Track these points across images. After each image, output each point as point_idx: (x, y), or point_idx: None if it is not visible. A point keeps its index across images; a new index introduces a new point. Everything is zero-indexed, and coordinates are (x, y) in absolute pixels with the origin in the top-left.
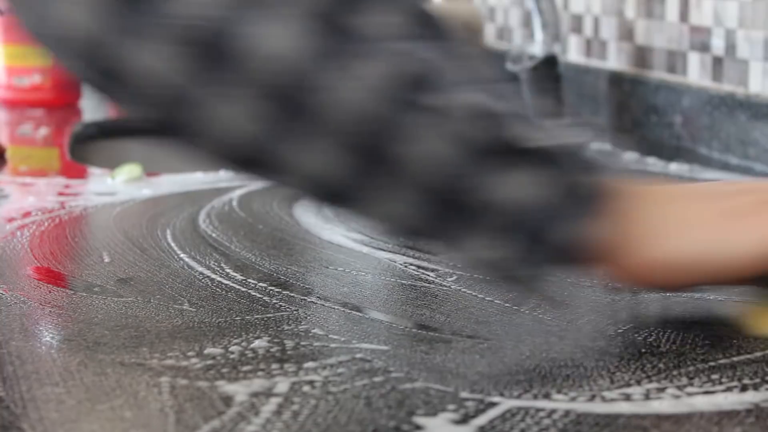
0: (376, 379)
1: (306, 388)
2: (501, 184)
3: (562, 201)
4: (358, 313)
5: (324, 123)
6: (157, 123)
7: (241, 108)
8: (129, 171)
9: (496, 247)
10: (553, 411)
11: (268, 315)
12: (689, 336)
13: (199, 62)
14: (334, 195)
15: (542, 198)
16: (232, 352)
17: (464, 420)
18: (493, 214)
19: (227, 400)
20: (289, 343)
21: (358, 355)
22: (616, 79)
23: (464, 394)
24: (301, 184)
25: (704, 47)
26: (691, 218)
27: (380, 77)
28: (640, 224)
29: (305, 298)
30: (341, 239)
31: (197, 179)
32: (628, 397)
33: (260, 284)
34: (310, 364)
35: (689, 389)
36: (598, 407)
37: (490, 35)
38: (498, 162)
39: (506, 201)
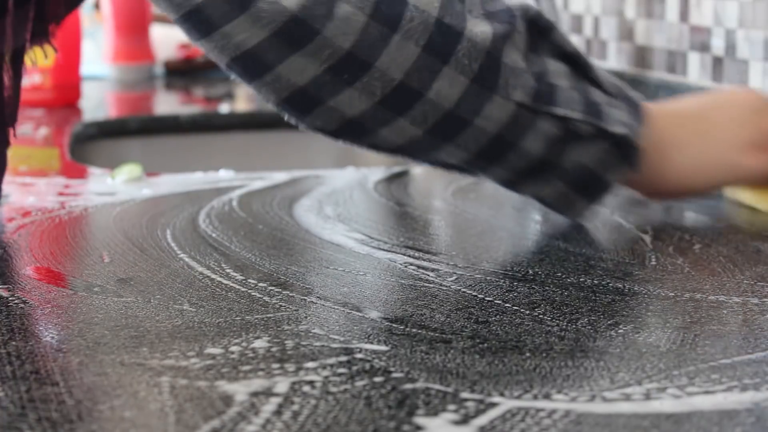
0: (376, 379)
1: (306, 388)
2: (574, 154)
3: (611, 161)
4: (358, 313)
5: (471, 132)
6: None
7: (412, 128)
8: (129, 171)
9: (558, 192)
10: (553, 411)
11: (268, 315)
12: (689, 336)
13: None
14: (458, 169)
15: (598, 160)
16: (232, 352)
17: (464, 420)
18: (562, 172)
19: (227, 400)
20: (289, 343)
21: (358, 355)
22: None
23: (464, 394)
24: (432, 163)
25: (704, 47)
26: (686, 167)
27: (522, 99)
28: (654, 150)
29: (305, 298)
30: (341, 239)
31: (197, 179)
32: (628, 397)
33: (260, 284)
34: (310, 364)
35: (689, 389)
36: (598, 407)
37: None
38: (578, 141)
39: (574, 164)
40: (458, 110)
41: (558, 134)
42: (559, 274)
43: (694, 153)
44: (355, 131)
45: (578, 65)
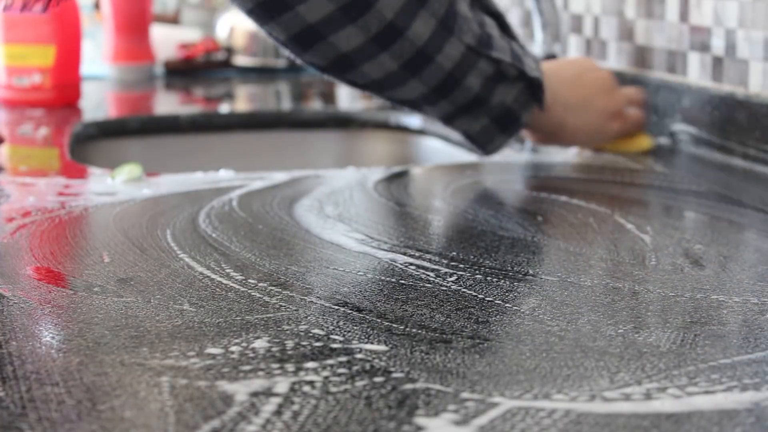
0: (376, 379)
1: (306, 388)
2: (500, 94)
3: (524, 100)
4: (358, 313)
5: (433, 68)
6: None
7: (391, 62)
8: (129, 171)
9: (485, 127)
10: (553, 411)
11: (268, 315)
12: (689, 336)
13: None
14: (412, 105)
15: (516, 99)
16: (232, 352)
17: (464, 420)
18: (491, 110)
19: (227, 400)
20: (289, 343)
21: (358, 355)
22: (616, 79)
23: (464, 394)
24: (393, 99)
25: (704, 47)
26: (590, 114)
27: (471, 42)
28: (555, 115)
29: (305, 298)
30: (341, 239)
31: (197, 179)
32: (628, 397)
33: (260, 284)
34: (310, 364)
35: (689, 389)
36: (598, 407)
37: None
38: (504, 82)
39: (499, 102)
40: (427, 48)
41: (491, 74)
42: (559, 274)
43: (580, 115)
44: (343, 66)
45: (503, 22)
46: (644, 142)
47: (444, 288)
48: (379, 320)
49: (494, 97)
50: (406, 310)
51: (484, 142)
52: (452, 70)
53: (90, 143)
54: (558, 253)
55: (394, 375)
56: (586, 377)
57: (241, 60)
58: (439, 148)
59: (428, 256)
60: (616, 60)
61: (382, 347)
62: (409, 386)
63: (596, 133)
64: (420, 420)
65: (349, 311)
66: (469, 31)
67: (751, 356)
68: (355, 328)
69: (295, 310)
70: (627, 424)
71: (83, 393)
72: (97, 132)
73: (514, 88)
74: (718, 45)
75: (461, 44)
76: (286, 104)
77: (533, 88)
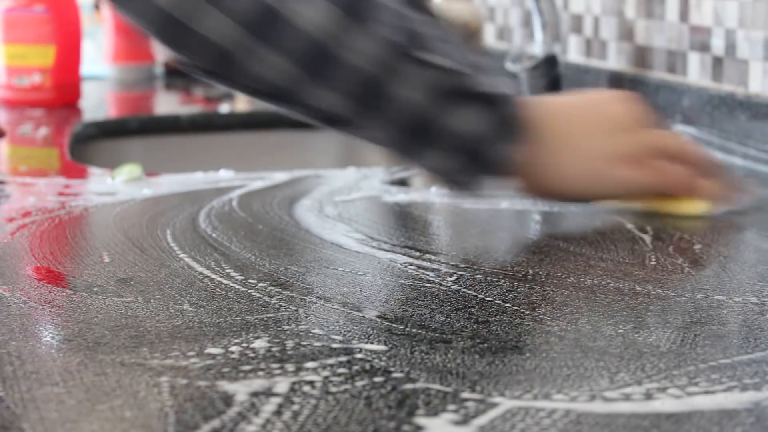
0: (376, 379)
1: (306, 388)
2: (453, 117)
3: (493, 131)
4: (358, 313)
5: (342, 70)
6: (208, 71)
7: (281, 60)
8: (129, 171)
9: (446, 162)
10: (553, 411)
11: (268, 315)
12: (689, 336)
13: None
14: (338, 123)
15: (479, 128)
16: (232, 352)
17: (464, 420)
18: (447, 139)
19: (227, 400)
20: (289, 343)
21: (358, 355)
22: (616, 79)
23: (464, 394)
24: (314, 115)
25: (704, 47)
26: (585, 152)
27: (388, 35)
28: (542, 156)
29: (305, 298)
30: (341, 239)
31: (197, 179)
32: (628, 397)
33: (260, 284)
34: (310, 364)
35: (689, 389)
36: (598, 407)
37: (490, 35)
38: (453, 101)
39: (455, 129)
40: (327, 42)
41: (435, 87)
42: (559, 274)
43: (571, 155)
44: (226, 66)
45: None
46: (691, 206)
47: (444, 288)
48: (379, 320)
49: (451, 119)
50: (406, 310)
51: (454, 180)
52: (370, 74)
53: (90, 143)
54: (558, 253)
55: (394, 375)
56: (586, 377)
57: None
58: None
59: (428, 256)
60: (616, 60)
61: (382, 347)
62: (409, 386)
63: (595, 181)
64: (420, 420)
65: (349, 311)
66: (390, 25)
67: (751, 356)
68: (355, 328)
69: (295, 310)
70: (627, 424)
71: (83, 393)
72: (97, 132)
73: (477, 109)
74: (718, 45)
75: (379, 39)
76: None
77: (506, 114)
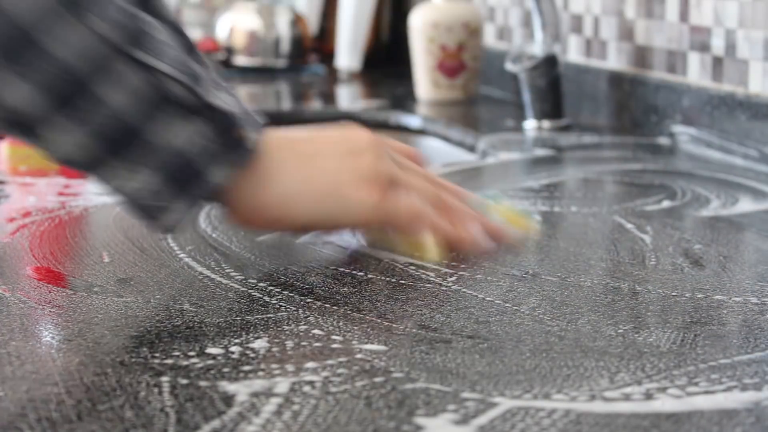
0: (376, 379)
1: (306, 388)
2: (165, 129)
3: (211, 149)
4: (358, 314)
5: (42, 60)
6: None
7: None
8: None
9: (144, 181)
10: (553, 411)
11: (268, 315)
12: (689, 336)
13: None
14: (24, 128)
15: (196, 145)
16: (233, 352)
17: (464, 420)
18: (153, 153)
19: (228, 400)
20: (289, 343)
21: (358, 355)
22: (616, 79)
23: (464, 394)
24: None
25: (704, 47)
26: (289, 192)
27: (107, 29)
28: (258, 180)
29: (305, 298)
30: (341, 239)
31: None
32: (628, 397)
33: (260, 284)
34: (310, 364)
35: (689, 389)
36: (598, 407)
37: (490, 35)
38: (168, 111)
39: (165, 143)
40: (30, 26)
41: (149, 93)
42: (559, 274)
43: (298, 179)
44: None
45: (187, 42)
46: (422, 248)
47: (444, 288)
48: (379, 320)
49: (161, 136)
50: (406, 310)
51: (153, 208)
52: (75, 68)
53: None
54: (558, 253)
55: (394, 375)
56: (586, 377)
57: (241, 60)
58: (439, 148)
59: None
60: (616, 60)
61: (382, 347)
62: (408, 386)
63: (325, 201)
64: (420, 420)
65: (349, 311)
66: (112, 20)
67: (751, 356)
68: (355, 328)
69: (295, 310)
70: (627, 424)
71: (83, 393)
72: None
73: (196, 125)
74: (718, 45)
75: (91, 32)
76: (286, 104)
77: (228, 134)
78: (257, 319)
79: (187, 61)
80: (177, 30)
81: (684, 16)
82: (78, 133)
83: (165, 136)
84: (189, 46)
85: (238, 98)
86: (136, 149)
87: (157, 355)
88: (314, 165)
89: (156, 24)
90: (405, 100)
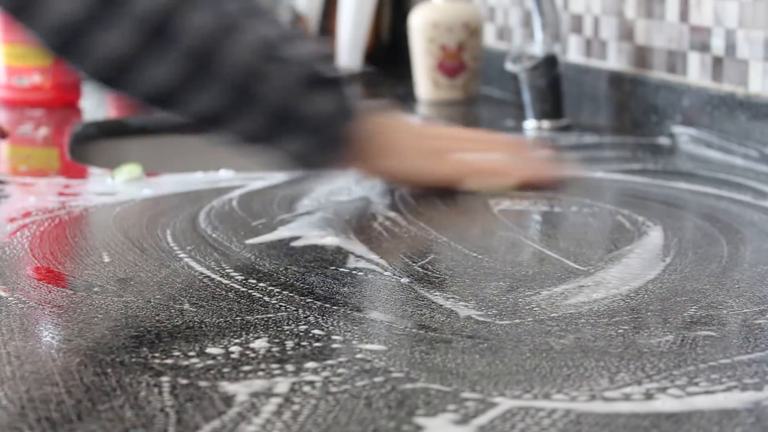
0: (376, 379)
1: (306, 388)
2: (312, 102)
3: (342, 109)
4: (358, 313)
5: (219, 71)
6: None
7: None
8: (129, 171)
9: (305, 144)
10: (553, 411)
11: (268, 315)
12: (689, 336)
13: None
14: (213, 121)
15: (332, 108)
16: (232, 352)
17: (464, 420)
18: (306, 122)
19: (228, 400)
20: (289, 343)
21: (358, 355)
22: (616, 79)
23: (464, 394)
24: (190, 116)
25: (704, 47)
26: (405, 148)
27: (254, 41)
28: (376, 144)
29: (305, 298)
30: (341, 240)
31: (197, 179)
32: (628, 397)
33: (260, 284)
34: (310, 364)
35: (689, 389)
36: (598, 407)
37: (490, 35)
38: (311, 88)
39: (314, 112)
40: (210, 43)
41: (298, 78)
42: (559, 275)
43: (393, 154)
44: (119, 70)
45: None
46: (501, 184)
47: (444, 288)
48: (379, 320)
49: (308, 104)
50: (406, 310)
51: (309, 161)
52: (245, 73)
53: (90, 143)
54: (557, 253)
55: (394, 375)
56: (586, 377)
57: None
58: None
59: (428, 256)
60: (616, 60)
61: (382, 347)
62: (408, 386)
63: (420, 170)
64: (420, 420)
65: (349, 311)
66: (261, 29)
67: (751, 356)
68: (355, 328)
69: (295, 310)
70: (627, 424)
71: (83, 393)
72: (97, 132)
73: (327, 93)
74: (718, 45)
75: (250, 42)
76: None
77: (347, 95)
78: (257, 319)
79: (304, 43)
80: (278, 18)
81: (684, 16)
82: (253, 120)
83: (310, 107)
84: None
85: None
86: (294, 122)
87: (157, 355)
88: (427, 159)
89: (275, 20)
90: (405, 100)
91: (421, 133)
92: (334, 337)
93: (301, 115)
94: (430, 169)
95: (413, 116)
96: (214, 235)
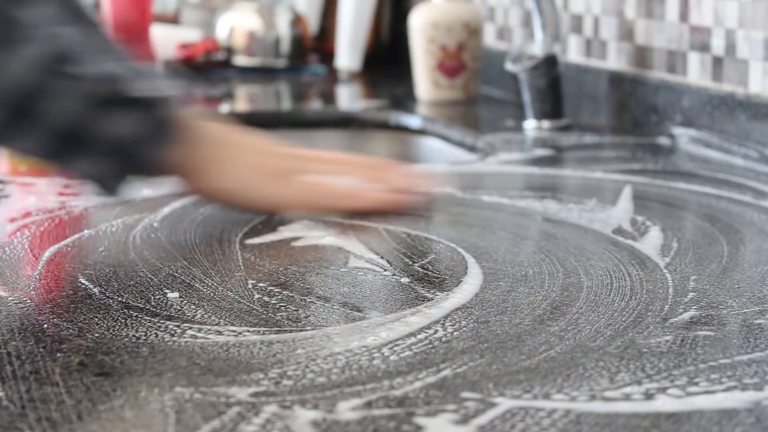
0: (376, 378)
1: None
2: (108, 123)
3: (148, 132)
4: (358, 313)
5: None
6: None
7: None
8: None
9: (98, 167)
10: (553, 411)
11: (268, 315)
12: (689, 336)
13: None
14: None
15: (134, 130)
16: (233, 352)
17: (464, 420)
18: (101, 144)
19: (227, 400)
20: (288, 343)
21: (359, 355)
22: (616, 79)
23: (464, 394)
24: None
25: (704, 47)
26: (245, 168)
27: (36, 55)
28: (204, 166)
29: (305, 298)
30: (341, 240)
31: None
32: (628, 397)
33: (260, 284)
34: (310, 364)
35: (689, 389)
36: (598, 407)
37: (490, 35)
38: (108, 108)
39: (110, 134)
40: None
41: (90, 95)
42: (559, 274)
43: (229, 174)
44: None
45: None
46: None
47: (443, 288)
48: (378, 320)
49: (104, 125)
50: (406, 310)
51: (105, 184)
52: (22, 92)
53: None
54: (557, 253)
55: (394, 375)
56: (586, 377)
57: (241, 60)
58: (439, 148)
59: (429, 256)
60: (616, 60)
61: (382, 347)
62: (408, 386)
63: (252, 192)
64: (420, 420)
65: (349, 311)
66: (39, 45)
67: (751, 356)
68: (355, 328)
69: (295, 310)
70: (627, 424)
71: (83, 393)
72: None
73: (131, 113)
74: (718, 45)
75: (26, 60)
76: (286, 104)
77: (161, 116)
78: (257, 319)
79: (116, 58)
80: (96, 28)
81: (684, 16)
82: (34, 139)
83: (107, 128)
84: (108, 41)
85: (172, 79)
86: (85, 143)
87: (156, 355)
88: (244, 161)
89: (79, 30)
90: (405, 100)
91: (266, 152)
92: (333, 337)
93: (92, 135)
94: (274, 192)
95: (261, 134)
96: (214, 235)
